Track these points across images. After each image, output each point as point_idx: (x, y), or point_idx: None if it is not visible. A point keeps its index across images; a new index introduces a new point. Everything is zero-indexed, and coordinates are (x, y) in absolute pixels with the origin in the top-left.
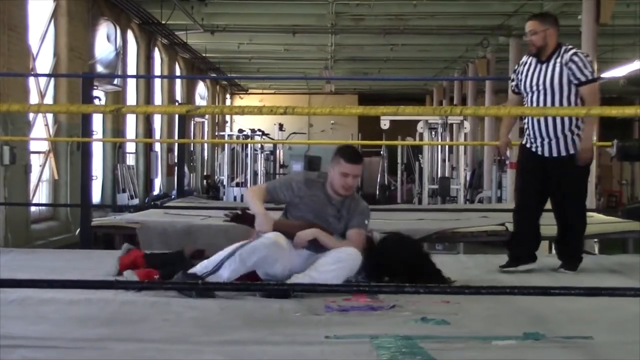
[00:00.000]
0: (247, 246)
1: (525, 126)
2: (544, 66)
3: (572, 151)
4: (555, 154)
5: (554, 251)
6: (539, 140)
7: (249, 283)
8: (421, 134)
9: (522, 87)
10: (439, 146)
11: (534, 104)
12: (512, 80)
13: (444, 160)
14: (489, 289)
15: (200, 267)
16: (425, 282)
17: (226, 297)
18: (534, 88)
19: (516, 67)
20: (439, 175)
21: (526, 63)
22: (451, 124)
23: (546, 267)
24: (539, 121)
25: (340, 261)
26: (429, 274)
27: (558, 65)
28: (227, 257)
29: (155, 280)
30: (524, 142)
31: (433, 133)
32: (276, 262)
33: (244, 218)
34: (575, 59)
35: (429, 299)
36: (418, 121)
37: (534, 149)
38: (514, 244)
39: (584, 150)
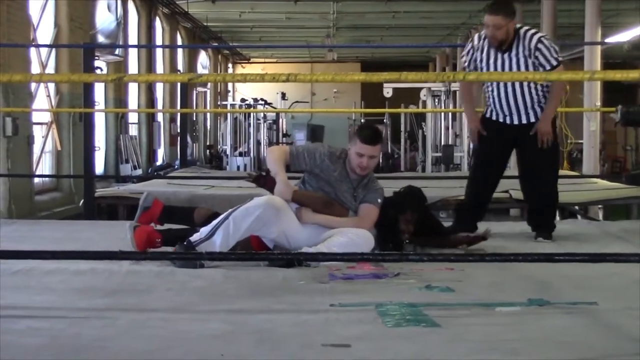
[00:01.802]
0: (239, 208)
1: (489, 103)
2: (505, 56)
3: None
4: (524, 121)
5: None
6: (506, 111)
7: (253, 253)
8: (424, 102)
9: None
10: (442, 113)
11: (501, 94)
12: (467, 63)
13: (447, 128)
14: (493, 256)
15: (198, 234)
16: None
17: (230, 266)
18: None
19: (469, 47)
20: (442, 143)
21: (482, 49)
22: (454, 91)
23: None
24: (507, 100)
25: (353, 244)
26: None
27: (522, 55)
28: (221, 222)
29: (157, 252)
30: (487, 115)
31: (436, 100)
32: (272, 225)
33: (265, 181)
34: (541, 46)
35: (433, 267)
36: (421, 89)
37: (501, 120)
38: (463, 212)
39: (543, 132)
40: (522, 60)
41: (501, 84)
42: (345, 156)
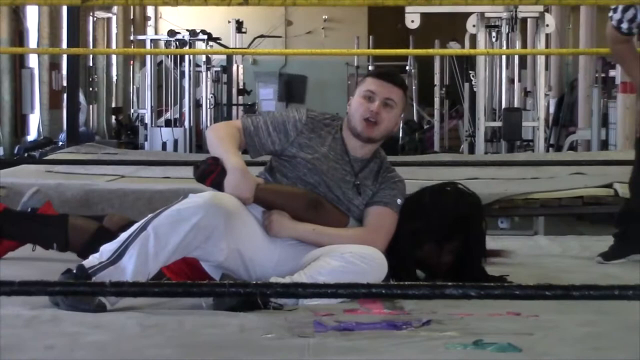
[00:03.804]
0: (165, 212)
1: None
2: None
3: None
4: None
5: None
6: None
7: (189, 285)
8: (474, 37)
9: None
10: (504, 57)
11: None
12: (623, 22)
13: (511, 81)
14: (586, 291)
15: (95, 257)
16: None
17: (150, 307)
18: None
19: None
20: (504, 106)
21: None
22: (523, 20)
23: None
24: None
25: (354, 271)
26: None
27: None
28: (135, 236)
29: (30, 282)
30: None
31: (494, 35)
32: (220, 240)
33: (204, 172)
34: None
35: (487, 309)
36: (468, 16)
37: None
38: (628, 219)
39: None
40: None
41: None
42: (339, 124)
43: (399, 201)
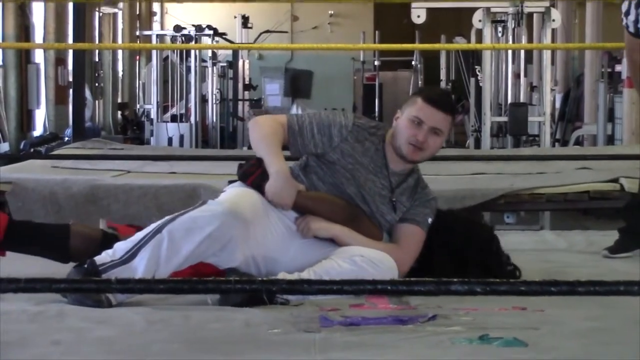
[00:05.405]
0: (181, 218)
1: None
2: None
3: None
4: None
5: None
6: None
7: (195, 281)
8: (480, 32)
9: None
10: (510, 52)
11: None
12: (639, 21)
13: (517, 76)
14: (591, 287)
15: (108, 254)
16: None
17: (156, 303)
18: None
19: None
20: (510, 100)
21: None
22: (529, 15)
23: None
24: None
25: (363, 275)
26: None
27: None
28: (149, 238)
29: (37, 279)
30: None
31: (499, 30)
32: (236, 248)
33: (250, 172)
34: None
35: (492, 304)
36: (474, 10)
37: None
38: (634, 214)
39: None
40: None
41: None
42: (383, 133)
43: (429, 220)
